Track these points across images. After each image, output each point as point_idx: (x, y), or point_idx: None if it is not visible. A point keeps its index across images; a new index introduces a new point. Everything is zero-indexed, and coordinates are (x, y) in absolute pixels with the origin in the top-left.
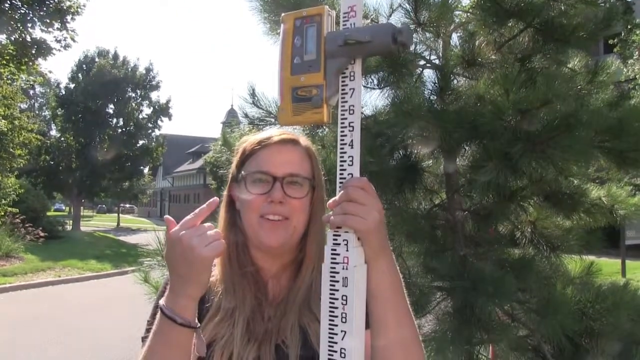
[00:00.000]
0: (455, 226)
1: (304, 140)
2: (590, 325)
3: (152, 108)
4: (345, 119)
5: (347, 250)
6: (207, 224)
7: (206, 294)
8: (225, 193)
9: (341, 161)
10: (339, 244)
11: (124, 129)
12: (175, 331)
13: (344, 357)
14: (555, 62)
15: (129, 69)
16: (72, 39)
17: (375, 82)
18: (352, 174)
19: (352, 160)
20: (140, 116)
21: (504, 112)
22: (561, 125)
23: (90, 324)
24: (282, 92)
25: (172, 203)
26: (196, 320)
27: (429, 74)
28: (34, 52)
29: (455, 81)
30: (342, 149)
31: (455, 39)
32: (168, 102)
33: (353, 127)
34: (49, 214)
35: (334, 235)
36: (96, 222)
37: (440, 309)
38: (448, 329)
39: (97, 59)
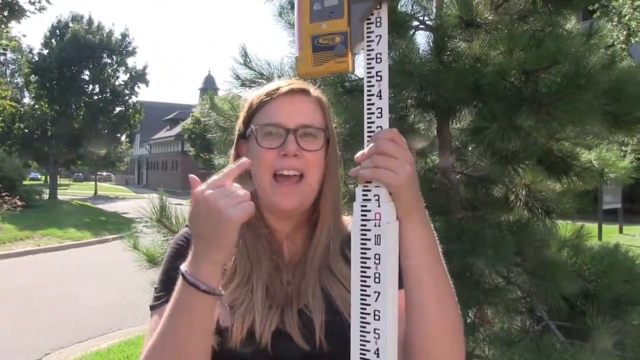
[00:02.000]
0: (450, 189)
1: (314, 90)
2: (585, 286)
3: (128, 74)
4: (372, 68)
5: (378, 206)
6: (235, 185)
7: None
8: (232, 152)
9: (369, 113)
10: (370, 200)
11: (100, 96)
12: (197, 299)
13: (378, 320)
14: (550, 24)
15: (104, 35)
16: (47, 1)
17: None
18: (381, 127)
19: (380, 112)
20: (117, 83)
21: (508, 72)
22: (569, 86)
23: (72, 292)
24: (301, 41)
25: (149, 170)
26: (220, 288)
27: (421, 36)
28: (6, 14)
29: (450, 43)
30: (369, 100)
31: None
32: (145, 68)
33: (381, 76)
34: (25, 182)
35: (364, 190)
36: (73, 191)
37: None
38: None
39: (71, 24)
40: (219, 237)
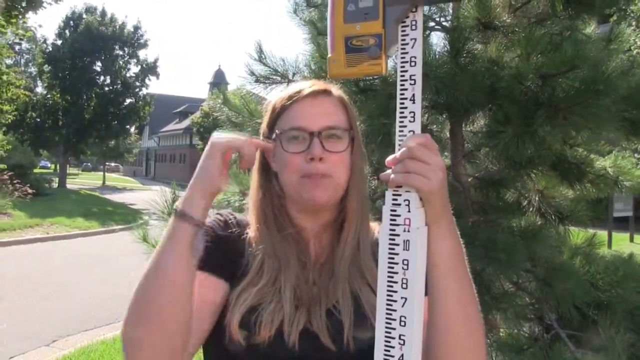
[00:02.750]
0: (462, 192)
1: (336, 89)
2: (598, 296)
3: (139, 66)
4: (406, 71)
5: (408, 212)
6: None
7: (244, 251)
8: (257, 154)
9: (401, 117)
10: (399, 205)
11: (111, 87)
12: (175, 223)
13: (404, 326)
14: (568, 28)
15: (117, 27)
16: None
17: None
18: (413, 131)
19: (413, 116)
20: (128, 74)
21: (525, 76)
22: (588, 92)
23: (79, 281)
24: (333, 41)
25: (157, 162)
26: (203, 220)
27: (437, 37)
28: (24, 4)
29: (466, 45)
30: (402, 103)
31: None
32: (156, 60)
33: (415, 80)
34: (35, 171)
35: (394, 195)
36: (82, 180)
37: None
38: None
39: (84, 16)
40: (202, 165)
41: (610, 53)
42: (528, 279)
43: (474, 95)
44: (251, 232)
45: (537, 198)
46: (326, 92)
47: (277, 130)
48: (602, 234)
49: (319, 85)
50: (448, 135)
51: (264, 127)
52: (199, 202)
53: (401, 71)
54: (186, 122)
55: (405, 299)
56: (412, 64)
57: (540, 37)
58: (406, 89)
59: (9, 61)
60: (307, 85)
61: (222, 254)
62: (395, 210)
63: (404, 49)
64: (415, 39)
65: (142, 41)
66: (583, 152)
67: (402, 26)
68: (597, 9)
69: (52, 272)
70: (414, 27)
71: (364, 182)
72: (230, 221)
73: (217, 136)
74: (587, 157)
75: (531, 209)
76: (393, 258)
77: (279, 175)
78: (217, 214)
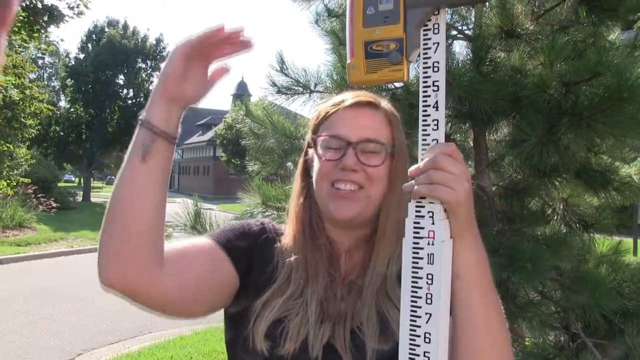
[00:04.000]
0: (486, 201)
1: (385, 103)
2: (624, 304)
3: None
4: (429, 77)
5: (432, 224)
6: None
7: (274, 257)
8: (300, 160)
9: (424, 125)
10: (423, 217)
11: (134, 100)
12: (136, 130)
13: (429, 343)
14: (592, 35)
15: (139, 40)
16: (85, 6)
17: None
18: (437, 140)
19: (436, 124)
20: (151, 87)
21: (548, 84)
22: (612, 99)
23: (103, 294)
24: (353, 47)
25: (181, 175)
26: (160, 125)
27: (459, 46)
28: (45, 19)
29: (489, 53)
30: (425, 111)
31: (487, 9)
32: None
33: (438, 86)
34: (59, 184)
35: (417, 206)
36: (106, 193)
37: None
38: None
39: (106, 29)
40: (162, 70)
41: (635, 60)
42: (553, 287)
43: (497, 103)
44: (286, 239)
45: (561, 206)
46: (371, 104)
47: (313, 136)
48: (628, 241)
49: (365, 96)
50: (471, 144)
51: (309, 132)
52: (155, 107)
53: (424, 77)
54: (209, 134)
55: (430, 314)
56: (435, 69)
57: (563, 44)
58: (429, 96)
59: (32, 75)
60: (352, 96)
61: (248, 250)
62: (418, 223)
63: (426, 53)
64: (437, 43)
65: (164, 54)
66: (607, 160)
67: (424, 30)
68: (621, 16)
69: (77, 285)
70: (436, 31)
71: (402, 203)
72: (267, 226)
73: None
74: (612, 164)
75: (556, 217)
76: (417, 272)
77: (314, 182)
78: (261, 221)
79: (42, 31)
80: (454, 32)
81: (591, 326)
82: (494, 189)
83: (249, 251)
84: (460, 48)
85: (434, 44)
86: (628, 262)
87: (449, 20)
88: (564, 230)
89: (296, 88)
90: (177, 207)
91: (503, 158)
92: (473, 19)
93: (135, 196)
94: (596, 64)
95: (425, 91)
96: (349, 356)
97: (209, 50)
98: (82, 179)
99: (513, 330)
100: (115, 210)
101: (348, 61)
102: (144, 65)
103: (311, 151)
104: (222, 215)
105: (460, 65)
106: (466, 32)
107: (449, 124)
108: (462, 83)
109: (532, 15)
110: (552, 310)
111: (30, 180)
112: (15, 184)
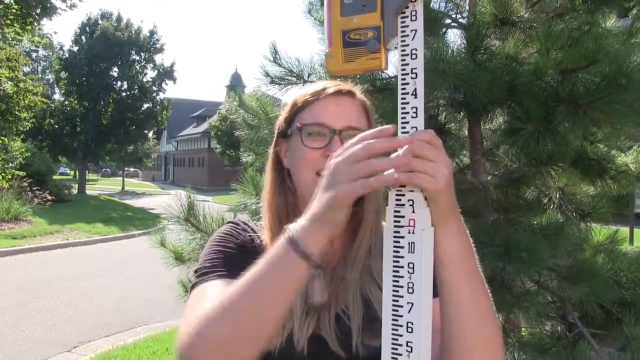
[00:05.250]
0: (481, 191)
1: (360, 93)
2: (621, 294)
3: (156, 71)
4: (407, 64)
5: (413, 212)
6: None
7: (258, 255)
8: (271, 151)
9: (403, 113)
10: (403, 205)
11: (128, 93)
12: (294, 262)
13: (412, 332)
14: (587, 22)
15: (133, 32)
16: None
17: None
18: (416, 127)
19: (415, 112)
20: (145, 79)
21: (544, 72)
22: (610, 86)
23: (99, 286)
24: (331, 36)
25: (176, 167)
26: (319, 262)
27: (453, 34)
28: (38, 11)
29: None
30: (403, 99)
31: None
32: (172, 65)
33: (416, 73)
34: (55, 177)
35: (397, 194)
36: (101, 186)
37: None
38: None
39: (100, 22)
40: (325, 209)
41: (632, 47)
42: (550, 277)
43: (492, 92)
44: (265, 233)
45: (557, 195)
46: (350, 94)
47: (297, 124)
48: (624, 230)
49: (344, 86)
50: (466, 134)
51: (281, 121)
52: (319, 242)
53: (402, 65)
54: (204, 126)
55: (412, 304)
56: (413, 56)
57: (559, 32)
58: (407, 83)
59: (26, 69)
60: (332, 85)
61: (243, 260)
62: (398, 211)
63: (404, 41)
64: (415, 30)
65: (158, 46)
66: (604, 148)
67: (402, 17)
68: (617, 3)
69: (73, 277)
70: (414, 18)
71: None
72: (245, 226)
73: (345, 183)
74: (608, 153)
75: (552, 206)
76: (398, 261)
77: (293, 172)
78: (230, 222)
79: (35, 24)
80: (448, 21)
81: (588, 316)
82: (489, 178)
83: (245, 264)
84: (454, 37)
85: (411, 31)
86: (625, 251)
87: (442, 8)
88: (561, 220)
89: (289, 78)
90: (171, 200)
91: (498, 147)
92: (467, 7)
93: (272, 316)
94: (593, 51)
95: (404, 79)
96: (335, 340)
97: None
98: (77, 172)
99: (509, 320)
100: (245, 315)
101: (326, 50)
102: (137, 58)
103: (283, 141)
104: (216, 207)
105: (454, 53)
106: (460, 20)
107: (444, 114)
108: (456, 72)
109: (527, 3)
110: (548, 300)
111: (25, 173)
112: (10, 177)
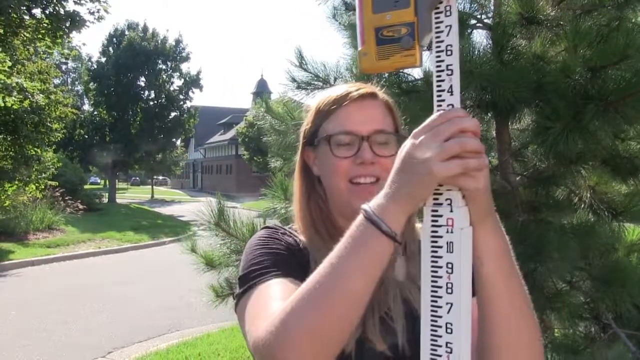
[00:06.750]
0: (510, 192)
1: (382, 93)
2: None
3: (182, 80)
4: (442, 61)
5: (451, 211)
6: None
7: (306, 257)
8: (297, 158)
9: (439, 110)
10: (441, 204)
11: (155, 102)
12: (376, 238)
13: (451, 333)
14: (616, 18)
15: (159, 41)
16: (105, 10)
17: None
18: None
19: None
20: (172, 88)
21: (572, 70)
22: None
23: (131, 293)
24: (363, 33)
25: (204, 174)
26: (400, 239)
27: (479, 35)
28: (68, 25)
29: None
30: (439, 96)
31: None
32: (198, 73)
33: (452, 70)
34: (85, 187)
35: (435, 193)
36: (131, 195)
37: None
38: None
39: (127, 32)
40: (412, 185)
41: None
42: (582, 277)
43: (519, 91)
44: (300, 237)
45: (588, 194)
46: (373, 96)
47: (324, 134)
48: None
49: (365, 88)
50: (494, 134)
51: (306, 129)
52: (401, 219)
53: (437, 61)
54: (231, 133)
55: (451, 304)
56: (448, 52)
57: (588, 28)
58: (443, 80)
59: (56, 81)
60: (354, 89)
61: (293, 260)
62: (436, 211)
63: (438, 37)
64: (450, 26)
65: (184, 54)
66: (636, 146)
67: (436, 13)
68: None
69: (106, 285)
70: (448, 14)
71: None
72: (283, 230)
73: (440, 162)
74: None
75: (583, 205)
76: (436, 261)
77: (324, 180)
78: (266, 227)
79: (65, 37)
80: (473, 21)
81: (623, 317)
82: (517, 178)
83: (298, 264)
84: (480, 37)
85: (446, 26)
86: None
87: (467, 9)
88: (592, 219)
89: (316, 83)
90: (202, 206)
91: (527, 147)
92: (492, 7)
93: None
94: (624, 47)
95: (439, 76)
96: (381, 342)
97: None
98: (107, 181)
99: (542, 321)
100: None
101: (359, 48)
102: (164, 67)
103: (310, 149)
104: (245, 213)
105: (480, 54)
106: (485, 20)
107: (471, 115)
108: (483, 72)
109: (553, 1)
110: (581, 301)
111: (57, 183)
112: (43, 187)
